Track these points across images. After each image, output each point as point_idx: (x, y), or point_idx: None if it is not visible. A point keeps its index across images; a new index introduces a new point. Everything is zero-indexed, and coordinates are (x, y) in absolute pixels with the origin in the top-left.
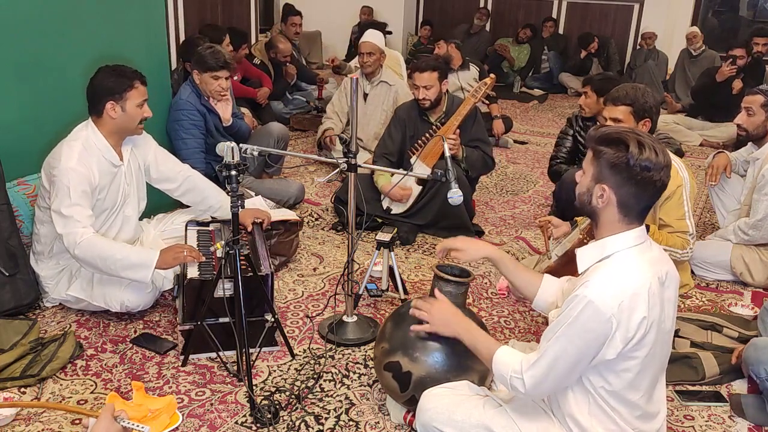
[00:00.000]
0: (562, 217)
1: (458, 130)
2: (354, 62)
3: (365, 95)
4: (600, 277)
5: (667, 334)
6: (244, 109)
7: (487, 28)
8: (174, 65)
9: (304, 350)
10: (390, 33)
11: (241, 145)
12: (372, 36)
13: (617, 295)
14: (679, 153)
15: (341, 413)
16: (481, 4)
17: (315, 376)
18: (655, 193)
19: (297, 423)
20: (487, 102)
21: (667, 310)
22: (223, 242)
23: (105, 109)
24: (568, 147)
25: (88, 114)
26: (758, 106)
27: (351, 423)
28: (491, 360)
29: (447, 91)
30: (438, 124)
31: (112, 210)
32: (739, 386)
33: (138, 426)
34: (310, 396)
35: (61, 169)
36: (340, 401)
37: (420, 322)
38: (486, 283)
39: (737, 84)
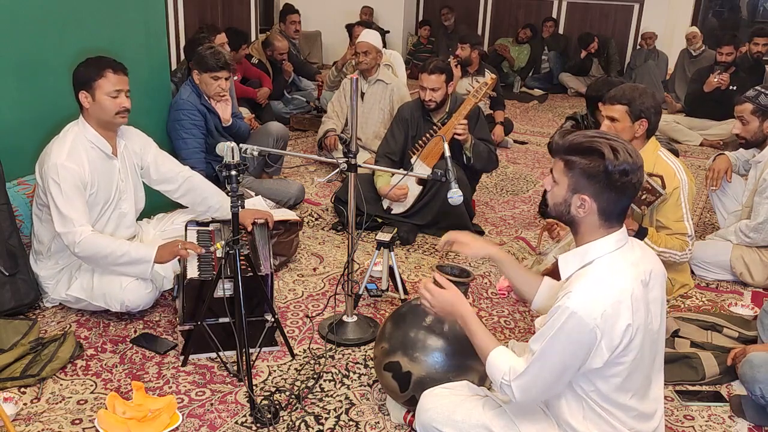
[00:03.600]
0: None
1: (467, 120)
2: (344, 68)
3: (362, 94)
4: (582, 287)
5: (655, 334)
6: (242, 109)
7: (481, 28)
8: (174, 65)
9: (304, 350)
10: (388, 32)
11: (241, 145)
12: (368, 35)
13: (600, 304)
14: (674, 153)
15: (341, 413)
16: (481, 4)
17: (315, 376)
18: (633, 194)
19: (297, 423)
20: (488, 102)
21: (653, 310)
22: (223, 242)
23: (80, 100)
24: None
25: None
26: (749, 113)
27: (351, 423)
28: (485, 359)
29: (453, 92)
30: (440, 124)
31: (107, 205)
32: (739, 386)
33: None
34: (310, 396)
35: (51, 166)
36: (340, 401)
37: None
38: (486, 283)
39: (724, 78)
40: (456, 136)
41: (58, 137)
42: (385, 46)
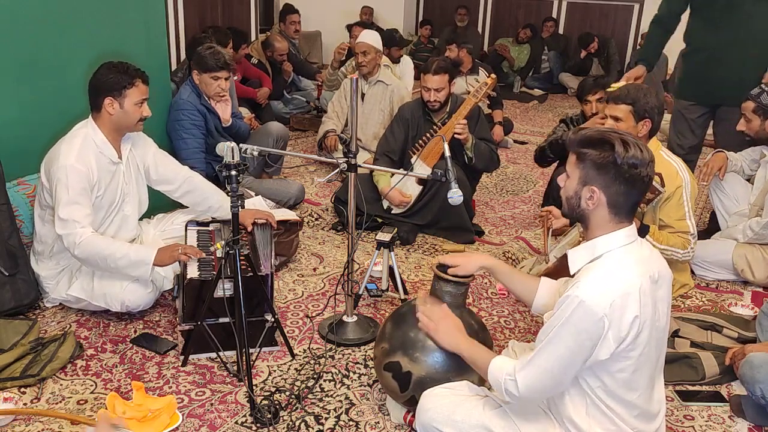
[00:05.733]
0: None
1: (465, 120)
2: (344, 68)
3: (362, 95)
4: (591, 278)
5: (661, 332)
6: (242, 109)
7: (481, 28)
8: (174, 65)
9: (304, 350)
10: (397, 31)
11: (241, 145)
12: (367, 36)
13: (609, 294)
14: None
15: (341, 413)
16: (481, 4)
17: (315, 376)
18: (643, 189)
19: (297, 423)
20: (488, 102)
21: (660, 308)
22: (223, 242)
23: (103, 105)
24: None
25: (90, 110)
26: (750, 112)
27: (351, 423)
28: (487, 368)
29: (452, 92)
30: (440, 124)
31: (111, 208)
32: (739, 386)
33: None
34: (310, 396)
35: (60, 167)
36: (340, 401)
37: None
38: (486, 283)
39: None
40: (456, 136)
41: (66, 138)
42: (397, 44)
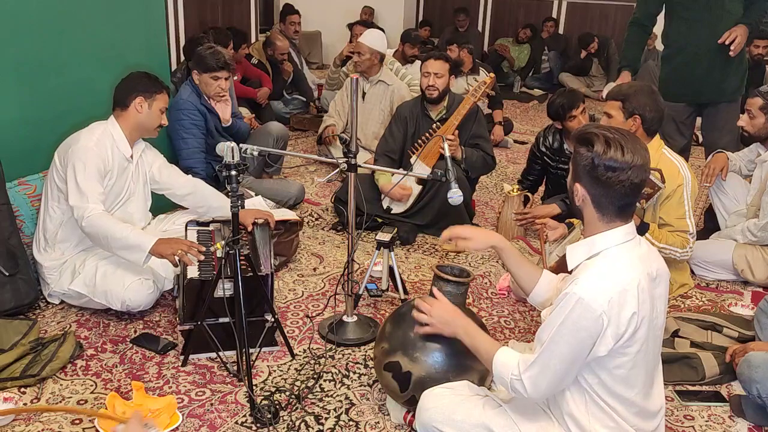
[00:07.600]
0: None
1: (457, 131)
2: (345, 68)
3: (363, 94)
4: (589, 275)
5: (658, 330)
6: (242, 109)
7: (481, 28)
8: (174, 65)
9: (304, 350)
10: (415, 30)
11: (241, 145)
12: (367, 36)
13: (607, 291)
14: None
15: (341, 413)
16: (481, 4)
17: (315, 376)
18: (626, 193)
19: (297, 423)
20: (487, 100)
21: (658, 306)
22: (223, 242)
23: (133, 103)
24: (536, 171)
25: (113, 108)
26: (757, 108)
27: (351, 423)
28: (491, 362)
29: (452, 90)
30: (438, 123)
31: (117, 200)
32: (739, 386)
33: None
34: (310, 396)
35: (80, 147)
36: (340, 401)
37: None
38: (486, 283)
39: None
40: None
41: (86, 129)
42: (411, 41)
